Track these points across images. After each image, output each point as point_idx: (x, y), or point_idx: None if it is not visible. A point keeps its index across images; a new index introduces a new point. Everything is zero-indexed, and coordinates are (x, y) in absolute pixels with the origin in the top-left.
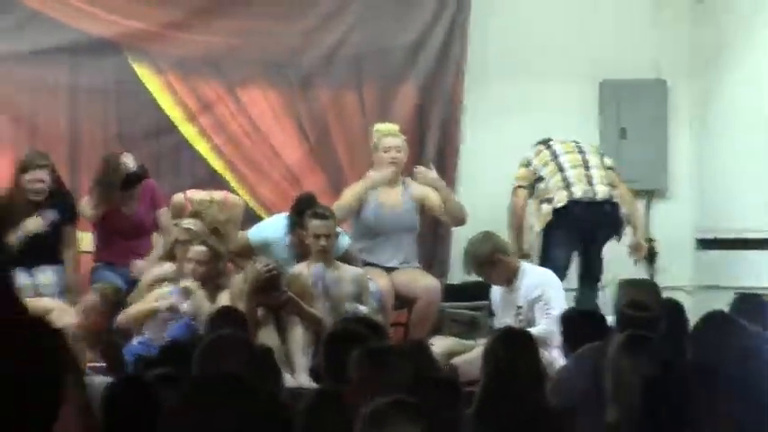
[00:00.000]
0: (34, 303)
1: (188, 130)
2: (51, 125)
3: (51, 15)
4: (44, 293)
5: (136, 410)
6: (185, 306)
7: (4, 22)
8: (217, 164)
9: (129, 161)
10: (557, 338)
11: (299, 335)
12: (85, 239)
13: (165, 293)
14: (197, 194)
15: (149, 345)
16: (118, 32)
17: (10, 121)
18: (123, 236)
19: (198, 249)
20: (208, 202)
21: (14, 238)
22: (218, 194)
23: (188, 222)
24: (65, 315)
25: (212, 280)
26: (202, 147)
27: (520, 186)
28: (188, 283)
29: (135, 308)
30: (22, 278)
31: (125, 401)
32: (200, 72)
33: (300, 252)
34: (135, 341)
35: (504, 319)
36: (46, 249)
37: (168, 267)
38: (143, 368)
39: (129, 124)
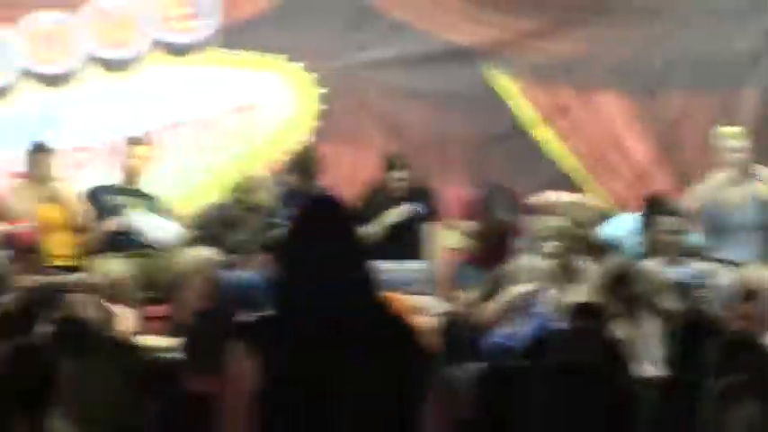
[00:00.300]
0: (403, 299)
1: (542, 133)
2: (414, 128)
3: (415, 25)
4: (410, 286)
5: (499, 398)
6: (542, 297)
7: (371, 32)
8: (570, 165)
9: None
10: None
11: (650, 327)
12: (451, 236)
13: (520, 287)
14: (558, 196)
15: (508, 336)
16: (476, 40)
17: (374, 124)
18: (491, 238)
19: (552, 244)
20: (569, 203)
21: (376, 230)
22: (578, 196)
23: (550, 219)
24: (432, 309)
25: (565, 274)
26: (556, 149)
27: None
28: (547, 271)
29: (494, 303)
30: (386, 271)
31: (490, 388)
32: (555, 77)
33: (651, 248)
34: (496, 332)
35: None
36: (410, 243)
37: (527, 260)
38: (505, 358)
39: (487, 127)
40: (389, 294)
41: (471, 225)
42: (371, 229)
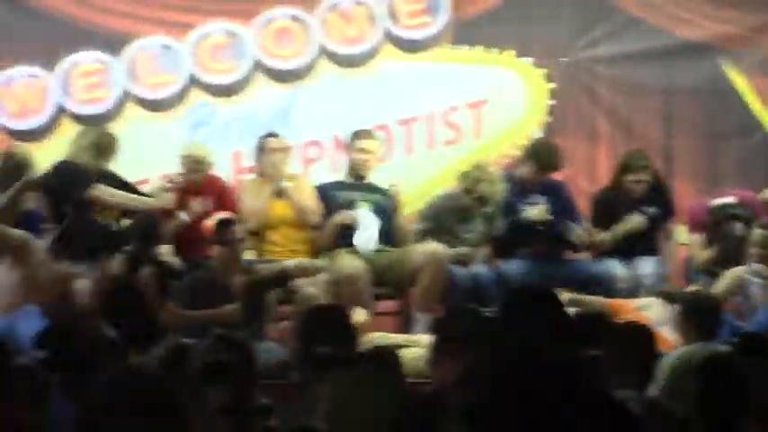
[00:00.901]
0: (628, 304)
1: None
2: (646, 124)
3: (649, 21)
4: (643, 284)
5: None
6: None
7: (604, 26)
8: None
9: None
10: None
11: None
12: (682, 232)
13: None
14: None
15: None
16: (710, 36)
17: (606, 119)
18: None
19: (758, 232)
20: None
21: (616, 232)
22: None
23: None
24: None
25: None
26: None
27: None
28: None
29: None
30: (620, 270)
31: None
32: None
33: None
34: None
35: None
36: (646, 241)
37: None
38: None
39: (719, 124)
40: (616, 302)
41: (702, 238)
42: (607, 236)
